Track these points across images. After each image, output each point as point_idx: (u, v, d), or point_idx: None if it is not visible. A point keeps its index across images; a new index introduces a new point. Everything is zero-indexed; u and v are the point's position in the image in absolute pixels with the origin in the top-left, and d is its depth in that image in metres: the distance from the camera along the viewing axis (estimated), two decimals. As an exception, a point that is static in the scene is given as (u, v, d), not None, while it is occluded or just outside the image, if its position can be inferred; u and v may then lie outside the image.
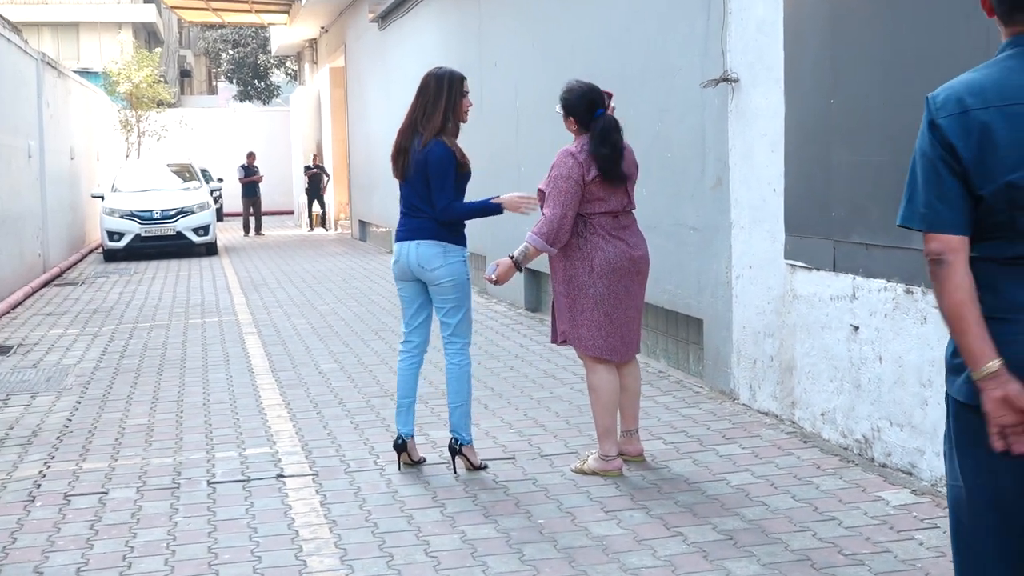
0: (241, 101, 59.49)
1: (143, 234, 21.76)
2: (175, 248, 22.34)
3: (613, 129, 5.86)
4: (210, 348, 10.66)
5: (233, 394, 8.43)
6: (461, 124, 6.08)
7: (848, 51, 6.07)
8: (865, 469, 5.83)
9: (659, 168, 8.54)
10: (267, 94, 59.97)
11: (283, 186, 38.16)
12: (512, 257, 5.90)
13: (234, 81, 60.55)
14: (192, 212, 22.22)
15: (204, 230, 22.24)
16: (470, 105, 6.08)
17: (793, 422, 6.77)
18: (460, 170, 5.95)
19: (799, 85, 6.57)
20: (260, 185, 29.20)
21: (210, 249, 22.61)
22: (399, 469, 6.20)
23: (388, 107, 19.83)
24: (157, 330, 12.04)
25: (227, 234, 29.17)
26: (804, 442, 6.42)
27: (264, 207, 31.28)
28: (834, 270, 6.21)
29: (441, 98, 5.94)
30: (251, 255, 22.12)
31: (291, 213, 37.60)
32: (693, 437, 6.66)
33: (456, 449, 6.09)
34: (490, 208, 6.05)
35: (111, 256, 21.98)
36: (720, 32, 7.49)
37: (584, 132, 5.92)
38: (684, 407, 7.44)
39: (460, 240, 6.02)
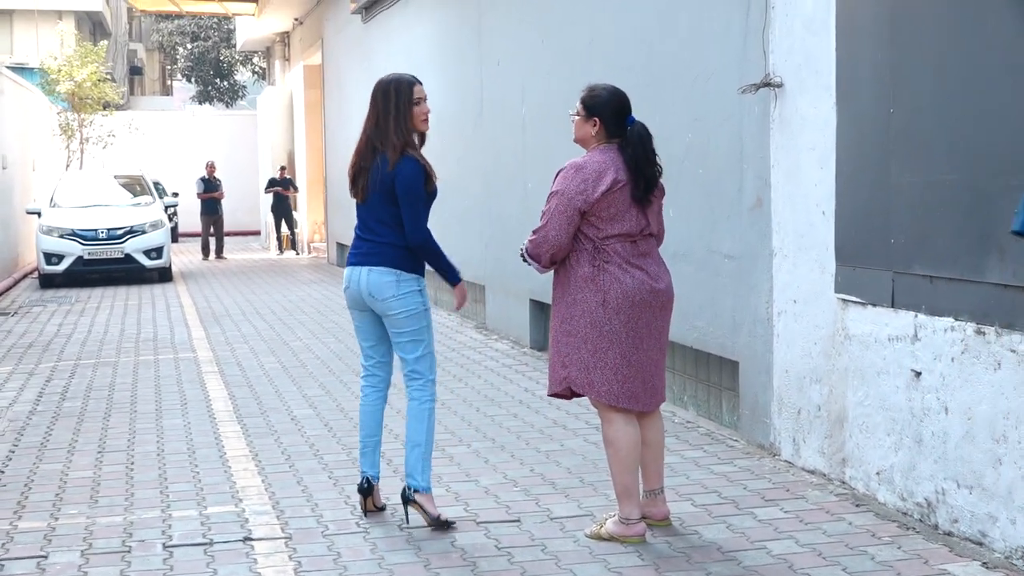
0: (200, 103, 59.71)
1: (86, 256, 21.84)
2: (123, 273, 22.41)
3: (649, 139, 5.95)
4: (165, 390, 10.69)
5: (192, 444, 8.45)
6: (426, 135, 6.32)
7: (911, 53, 6.13)
8: (927, 538, 5.85)
9: (690, 186, 8.59)
10: (231, 95, 60.22)
11: (248, 202, 38.27)
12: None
13: (192, 80, 60.80)
14: (143, 232, 22.31)
15: (157, 252, 22.32)
16: (426, 113, 6.26)
17: (844, 482, 6.79)
18: (426, 187, 6.17)
19: (853, 92, 6.62)
20: (222, 201, 29.29)
21: (164, 275, 22.69)
22: (363, 515, 6.44)
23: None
24: (103, 368, 12.08)
25: (183, 257, 29.26)
26: (856, 505, 6.43)
27: (227, 227, 31.37)
28: (893, 306, 6.25)
29: (389, 110, 6.17)
30: (211, 282, 22.18)
31: (257, 234, 37.70)
32: (727, 498, 6.68)
33: (408, 497, 6.25)
34: (450, 273, 6.36)
35: (48, 282, 22.06)
36: (761, 30, 7.55)
37: (607, 140, 5.97)
38: (717, 463, 7.46)
39: (417, 268, 6.22)
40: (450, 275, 6.37)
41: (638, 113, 8.85)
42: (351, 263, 6.29)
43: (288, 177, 29.62)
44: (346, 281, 6.32)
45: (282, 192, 29.16)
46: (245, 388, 10.64)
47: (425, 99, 6.29)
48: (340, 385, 10.62)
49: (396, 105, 6.17)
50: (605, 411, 5.95)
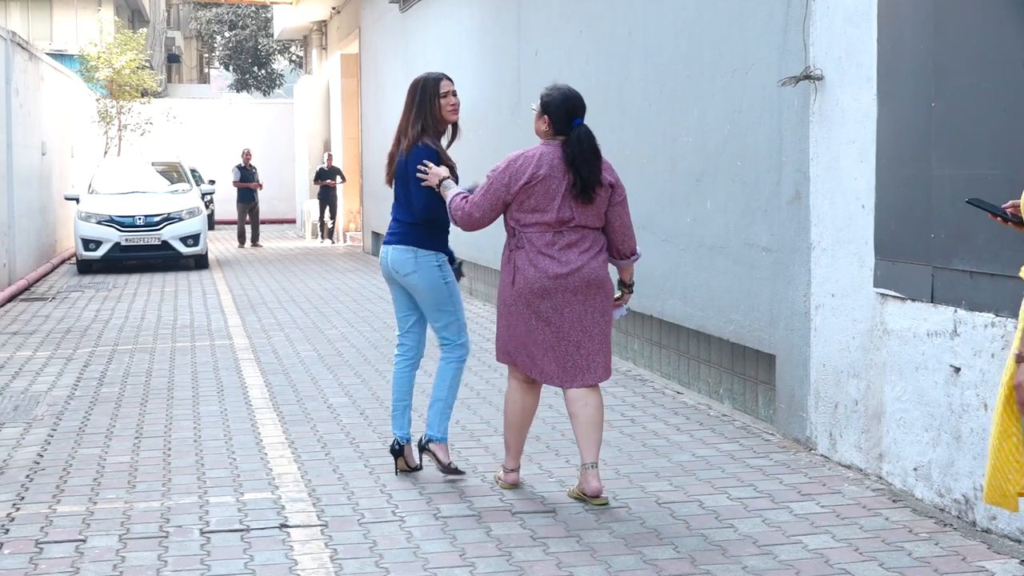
0: (238, 91, 59.91)
1: (123, 243, 21.94)
2: (160, 260, 22.52)
3: (589, 140, 6.43)
4: (201, 376, 10.74)
5: (228, 430, 8.49)
6: (458, 125, 7.09)
7: (954, 47, 6.09)
8: (965, 534, 5.82)
9: (728, 179, 8.57)
10: (268, 84, 60.36)
11: (284, 190, 38.40)
12: (441, 181, 6.80)
13: (230, 68, 60.95)
14: (180, 219, 22.39)
15: (193, 240, 22.40)
16: (453, 104, 6.96)
17: (880, 477, 6.77)
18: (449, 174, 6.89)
19: (895, 85, 6.59)
20: (258, 191, 29.34)
21: (200, 262, 22.78)
22: (395, 474, 7.03)
23: (409, 101, 19.95)
24: (140, 354, 12.14)
25: (219, 245, 29.37)
26: (893, 501, 6.41)
27: (262, 214, 31.46)
28: (932, 301, 6.22)
29: (414, 105, 6.97)
30: (247, 270, 22.27)
31: (293, 222, 37.81)
32: (763, 492, 6.67)
33: (424, 445, 7.00)
34: (444, 248, 7.04)
35: (86, 268, 22.18)
36: (802, 22, 7.52)
37: (553, 137, 6.49)
38: (752, 457, 7.45)
39: (433, 245, 6.95)
40: (447, 249, 7.04)
41: (677, 105, 8.84)
42: (384, 243, 7.09)
43: (336, 166, 29.35)
44: (380, 259, 7.09)
45: (331, 185, 29.00)
46: (281, 376, 10.68)
47: (453, 92, 6.96)
48: (375, 374, 10.64)
49: (420, 100, 6.94)
50: (509, 375, 6.71)
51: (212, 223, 33.45)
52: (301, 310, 15.64)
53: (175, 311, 15.91)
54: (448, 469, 6.92)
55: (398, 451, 7.03)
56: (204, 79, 70.90)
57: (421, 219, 6.88)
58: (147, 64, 37.72)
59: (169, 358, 11.84)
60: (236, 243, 29.17)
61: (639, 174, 10.22)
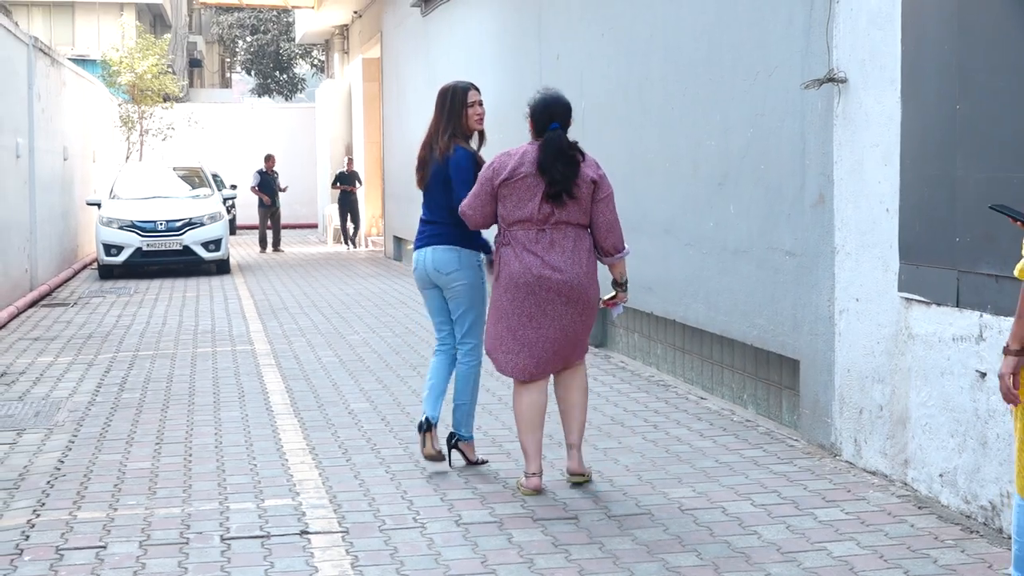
0: (259, 96, 60.01)
1: (145, 248, 22.00)
2: (181, 265, 22.60)
3: (558, 143, 6.69)
4: (222, 382, 10.76)
5: (249, 436, 8.50)
6: (484, 133, 7.49)
7: (978, 49, 6.06)
8: (992, 541, 5.79)
9: (751, 182, 8.55)
10: (290, 88, 60.45)
11: (306, 195, 38.44)
12: None
13: (252, 73, 61.06)
14: (201, 224, 22.44)
15: (215, 245, 22.46)
16: (479, 114, 7.37)
17: (906, 484, 6.74)
18: (476, 171, 7.19)
19: (919, 87, 6.56)
20: (280, 193, 29.35)
21: (221, 267, 22.84)
22: (423, 455, 7.31)
23: (430, 105, 19.93)
24: (161, 360, 12.17)
25: (241, 250, 29.44)
26: (919, 508, 6.38)
27: (284, 219, 31.49)
28: (958, 305, 6.18)
29: (443, 111, 7.39)
30: (268, 275, 22.31)
31: (315, 227, 37.87)
32: (787, 499, 6.64)
33: (454, 444, 7.46)
34: (486, 247, 7.37)
35: (107, 273, 22.25)
36: (825, 24, 7.49)
37: (537, 138, 6.82)
38: (776, 463, 7.42)
39: (474, 245, 7.34)
40: (486, 248, 7.38)
41: (699, 108, 8.83)
42: (418, 246, 7.44)
43: (355, 171, 29.32)
44: (414, 263, 7.43)
45: (350, 190, 28.95)
46: (302, 381, 10.68)
47: (479, 102, 7.39)
48: (397, 380, 10.64)
49: (450, 108, 7.37)
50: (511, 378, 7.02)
51: (234, 228, 33.46)
52: (322, 315, 15.66)
53: (196, 316, 15.94)
54: (477, 464, 7.51)
55: (426, 428, 7.29)
56: (226, 84, 71.07)
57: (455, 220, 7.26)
58: (169, 69, 37.85)
59: (190, 363, 11.86)
60: (258, 248, 29.24)
61: (661, 177, 10.21)
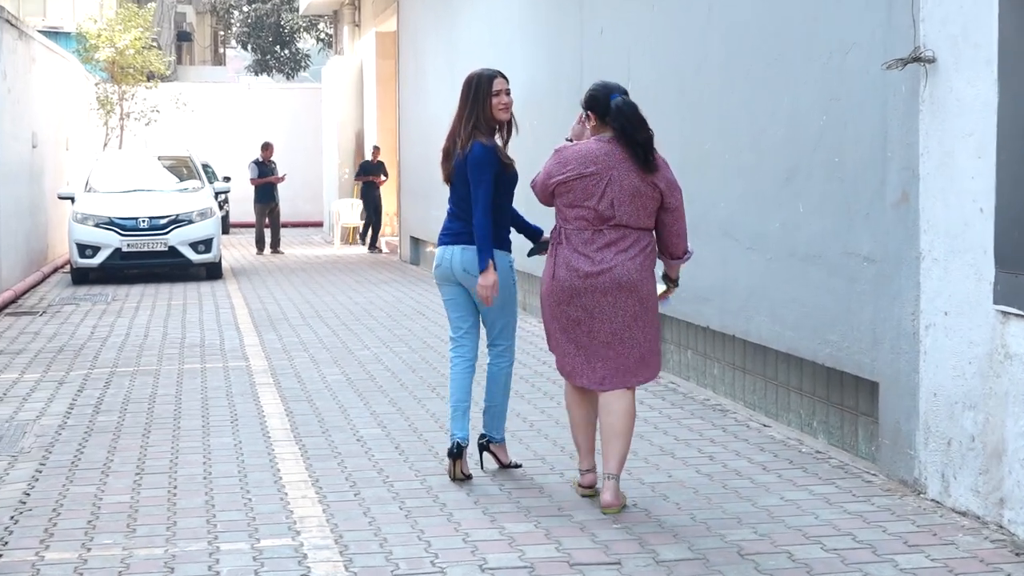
0: (257, 74, 60.26)
1: (125, 249, 22.09)
2: (167, 268, 22.70)
3: (631, 103, 7.32)
4: (213, 404, 10.79)
5: (243, 466, 8.53)
6: (512, 123, 8.04)
7: (1088, 24, 6.04)
8: (1101, 594, 5.77)
9: (823, 177, 8.54)
10: (292, 66, 60.67)
11: (310, 189, 38.55)
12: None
13: (248, 48, 61.33)
14: (190, 221, 22.52)
15: (205, 245, 22.54)
16: (505, 103, 7.88)
17: (1001, 526, 6.72)
18: (506, 171, 7.92)
19: (1019, 69, 6.54)
20: (279, 187, 29.41)
21: (213, 271, 22.95)
22: (451, 479, 7.92)
23: (454, 86, 19.96)
24: (142, 377, 12.22)
25: (235, 251, 29.53)
26: (1016, 554, 6.36)
27: (285, 217, 31.55)
28: (1063, 321, 6.16)
29: (467, 101, 7.93)
30: (267, 280, 22.38)
31: (320, 225, 37.96)
32: (864, 543, 6.63)
33: (485, 446, 8.22)
34: (481, 257, 7.79)
35: (82, 277, 22.35)
36: (911, -5, 7.49)
37: (602, 130, 7.36)
38: (851, 501, 7.41)
39: (504, 245, 7.96)
40: (481, 258, 7.80)
41: (764, 92, 8.85)
42: (443, 243, 8.09)
43: (381, 161, 29.22)
44: (438, 259, 8.10)
45: (378, 182, 28.94)
46: (304, 403, 10.71)
47: (507, 91, 7.93)
48: (413, 401, 10.66)
49: (473, 98, 7.91)
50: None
51: (227, 226, 33.63)
52: (328, 327, 15.70)
53: (183, 328, 16.01)
54: (510, 466, 8.24)
55: (457, 453, 7.91)
56: (219, 60, 71.35)
57: (475, 222, 7.86)
58: (154, 43, 38.02)
59: (176, 382, 11.91)
60: (254, 249, 29.32)
61: (719, 172, 10.20)
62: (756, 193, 9.63)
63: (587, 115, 7.43)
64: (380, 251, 29.05)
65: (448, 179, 8.08)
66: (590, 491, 7.49)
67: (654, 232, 7.41)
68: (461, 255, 7.93)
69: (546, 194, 7.45)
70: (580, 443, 7.60)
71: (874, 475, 7.95)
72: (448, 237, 8.06)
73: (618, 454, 7.22)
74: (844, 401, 8.58)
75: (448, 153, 8.04)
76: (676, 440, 9.04)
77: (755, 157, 9.63)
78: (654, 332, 7.38)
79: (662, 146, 8.52)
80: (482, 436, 8.22)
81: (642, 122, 7.26)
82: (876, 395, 8.05)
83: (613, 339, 7.28)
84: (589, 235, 7.25)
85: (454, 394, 7.99)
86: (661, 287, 7.59)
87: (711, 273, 10.32)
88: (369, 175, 28.86)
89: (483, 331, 8.17)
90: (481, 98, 7.89)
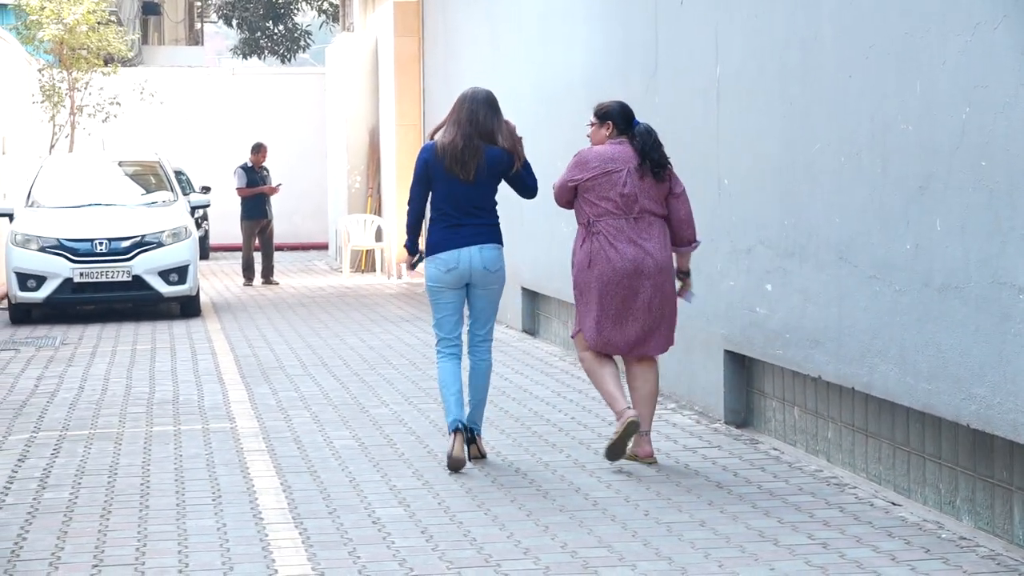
0: (244, 57, 60.38)
1: (77, 279, 22.08)
2: (130, 304, 22.77)
3: (652, 131, 10.63)
4: (189, 476, 10.82)
5: (229, 556, 8.55)
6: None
7: None
8: None
9: (965, 186, 8.50)
10: (288, 46, 60.78)
11: (311, 201, 38.60)
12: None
13: (232, 23, 61.52)
14: (159, 244, 22.53)
15: (179, 274, 22.52)
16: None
17: None
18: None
19: None
20: (273, 200, 29.44)
21: (189, 306, 22.97)
22: (465, 462, 10.59)
23: (496, 69, 19.96)
24: (100, 443, 12.25)
25: (217, 281, 29.60)
26: None
27: (279, 237, 31.59)
28: None
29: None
30: (256, 318, 22.42)
31: (324, 247, 38.01)
32: (1021, 655, 6.61)
33: (472, 439, 10.79)
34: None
35: (23, 315, 22.44)
36: (1077, -46, 7.48)
37: (619, 135, 10.61)
38: (1004, 602, 7.39)
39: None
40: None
41: (889, 77, 8.92)
42: (458, 245, 10.62)
43: None
44: (452, 263, 10.63)
45: None
46: (306, 476, 10.73)
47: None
48: (441, 473, 10.66)
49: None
50: (581, 349, 10.78)
51: (206, 250, 33.73)
52: (335, 378, 15.72)
53: (152, 379, 16.05)
54: (483, 456, 10.95)
55: (471, 439, 10.85)
56: (195, 39, 71.64)
57: (496, 219, 10.86)
58: (112, 18, 38.13)
59: (143, 449, 11.94)
60: (241, 279, 29.35)
61: (832, 178, 10.17)
62: (880, 206, 9.60)
63: (607, 124, 10.68)
64: (399, 276, 29.18)
65: (473, 177, 10.59)
66: (632, 427, 10.26)
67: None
68: (481, 254, 10.61)
69: (565, 197, 10.66)
70: (613, 392, 10.49)
71: (1034, 568, 7.93)
72: (464, 238, 10.61)
73: (650, 416, 10.66)
74: (995, 473, 8.54)
75: (478, 150, 10.63)
76: (780, 523, 9.01)
77: (879, 161, 9.60)
78: (675, 309, 10.67)
79: (757, 148, 8.57)
80: (468, 430, 10.70)
81: (659, 144, 10.55)
82: (1036, 465, 8.03)
83: (649, 314, 10.45)
84: (624, 223, 10.39)
85: (451, 385, 10.61)
86: (677, 283, 10.62)
87: (823, 309, 10.29)
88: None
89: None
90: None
